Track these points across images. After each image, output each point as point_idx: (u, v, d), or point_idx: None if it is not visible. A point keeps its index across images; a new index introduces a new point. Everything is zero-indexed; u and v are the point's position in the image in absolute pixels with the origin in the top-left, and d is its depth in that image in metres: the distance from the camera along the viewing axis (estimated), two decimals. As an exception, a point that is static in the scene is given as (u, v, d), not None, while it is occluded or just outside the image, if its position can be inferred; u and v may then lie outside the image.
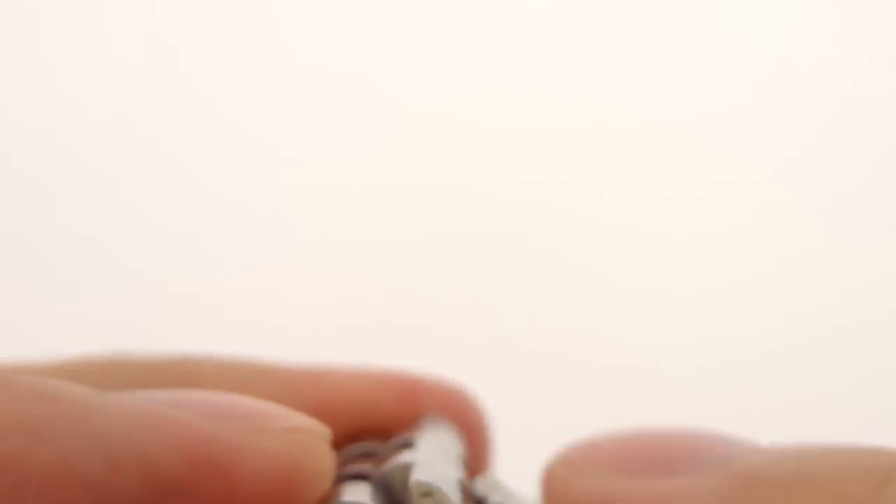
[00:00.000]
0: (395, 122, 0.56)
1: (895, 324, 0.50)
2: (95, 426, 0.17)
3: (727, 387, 0.49)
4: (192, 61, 0.56)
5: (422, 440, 0.24)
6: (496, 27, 0.56)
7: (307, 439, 0.19)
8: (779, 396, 0.49)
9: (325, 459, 0.19)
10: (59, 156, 0.55)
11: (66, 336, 0.41)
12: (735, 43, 0.56)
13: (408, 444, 0.23)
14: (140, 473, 0.16)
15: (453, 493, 0.20)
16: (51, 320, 0.54)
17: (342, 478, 0.23)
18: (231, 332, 0.51)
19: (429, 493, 0.20)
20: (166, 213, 0.55)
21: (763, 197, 0.53)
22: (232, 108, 0.56)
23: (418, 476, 0.20)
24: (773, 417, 0.48)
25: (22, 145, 0.55)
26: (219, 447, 0.17)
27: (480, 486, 0.22)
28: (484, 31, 0.56)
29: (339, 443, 0.26)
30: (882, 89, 0.55)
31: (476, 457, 0.27)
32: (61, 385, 0.17)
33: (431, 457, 0.22)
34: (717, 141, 0.55)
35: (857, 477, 0.17)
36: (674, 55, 0.55)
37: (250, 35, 0.57)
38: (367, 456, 0.25)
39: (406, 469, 0.21)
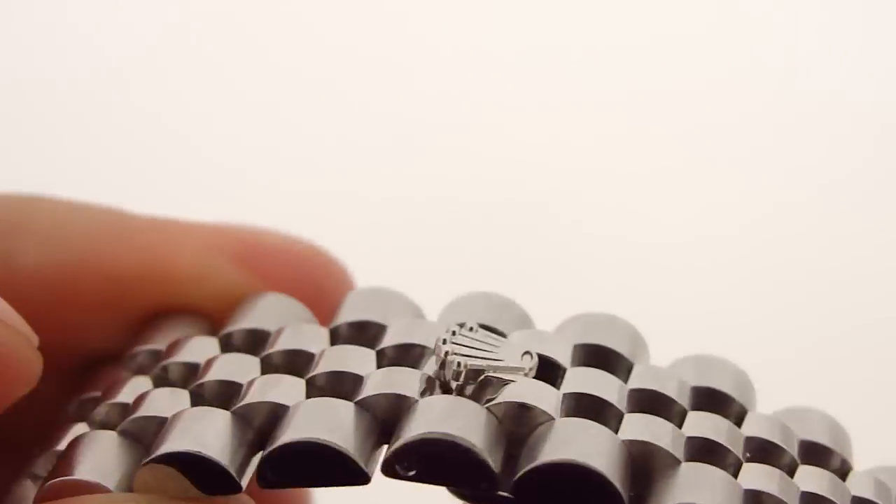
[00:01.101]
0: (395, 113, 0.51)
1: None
2: None
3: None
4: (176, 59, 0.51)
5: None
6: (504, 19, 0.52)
7: None
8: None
9: (19, 359, 0.18)
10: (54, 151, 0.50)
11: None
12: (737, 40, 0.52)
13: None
14: None
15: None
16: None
17: (75, 412, 0.20)
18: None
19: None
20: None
21: (769, 192, 0.49)
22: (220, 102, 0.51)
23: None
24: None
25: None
26: None
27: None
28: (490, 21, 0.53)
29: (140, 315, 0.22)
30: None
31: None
32: None
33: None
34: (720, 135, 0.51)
35: None
36: (676, 48, 0.52)
37: (242, 26, 0.52)
38: (154, 357, 0.21)
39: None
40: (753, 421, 0.19)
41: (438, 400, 0.18)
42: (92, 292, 0.21)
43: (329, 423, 0.18)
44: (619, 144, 0.50)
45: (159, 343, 0.21)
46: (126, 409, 0.19)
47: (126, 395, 0.20)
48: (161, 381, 0.20)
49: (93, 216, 0.22)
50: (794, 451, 0.19)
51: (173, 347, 0.20)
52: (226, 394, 0.19)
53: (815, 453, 0.20)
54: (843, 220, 0.48)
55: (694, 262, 0.47)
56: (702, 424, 0.19)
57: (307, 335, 0.20)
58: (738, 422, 0.19)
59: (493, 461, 0.17)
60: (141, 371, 0.21)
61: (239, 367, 0.19)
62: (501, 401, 0.18)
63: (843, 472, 0.19)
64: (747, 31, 0.53)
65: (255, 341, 0.21)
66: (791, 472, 0.19)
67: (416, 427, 0.17)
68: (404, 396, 0.18)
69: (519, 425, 0.18)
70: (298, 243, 0.23)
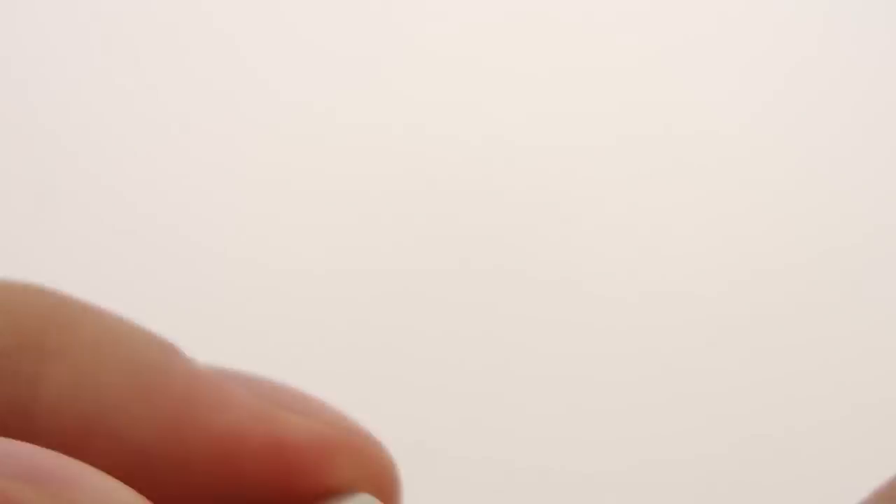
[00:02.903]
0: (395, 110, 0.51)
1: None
2: None
3: (735, 389, 0.47)
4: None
5: None
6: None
7: None
8: (782, 398, 0.47)
9: None
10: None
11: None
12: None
13: None
14: None
15: None
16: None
17: None
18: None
19: None
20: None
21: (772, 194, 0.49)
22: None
23: None
24: (775, 418, 0.46)
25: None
26: None
27: None
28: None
29: None
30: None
31: None
32: None
33: None
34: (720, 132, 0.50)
35: None
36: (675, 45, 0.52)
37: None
38: None
39: None
40: None
41: None
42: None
43: None
44: (618, 145, 0.50)
45: None
46: None
47: None
48: None
49: (140, 348, 0.15)
50: None
51: None
52: None
53: None
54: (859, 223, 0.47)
55: (697, 275, 0.47)
56: None
57: None
58: None
59: None
60: None
61: None
62: None
63: None
64: (752, 32, 0.52)
65: None
66: None
67: None
68: None
69: None
70: (371, 443, 0.18)
